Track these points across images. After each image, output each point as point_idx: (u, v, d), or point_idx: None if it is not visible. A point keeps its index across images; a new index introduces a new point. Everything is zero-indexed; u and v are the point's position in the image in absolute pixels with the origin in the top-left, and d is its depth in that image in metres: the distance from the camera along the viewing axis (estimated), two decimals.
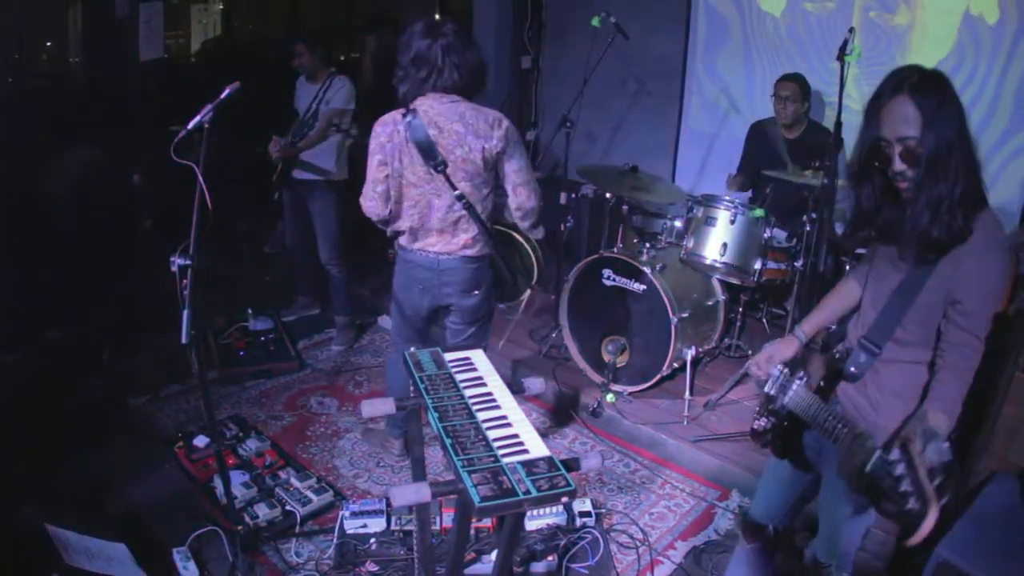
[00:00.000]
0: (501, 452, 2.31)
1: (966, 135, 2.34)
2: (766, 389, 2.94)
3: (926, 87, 2.30)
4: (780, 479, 3.08)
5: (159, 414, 5.04)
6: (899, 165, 2.35)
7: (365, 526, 3.92)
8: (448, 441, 2.36)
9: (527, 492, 2.14)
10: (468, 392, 2.65)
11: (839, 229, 4.69)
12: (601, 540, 3.97)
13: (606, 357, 5.14)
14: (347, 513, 3.96)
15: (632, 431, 4.98)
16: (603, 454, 4.78)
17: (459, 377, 2.75)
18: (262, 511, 4.04)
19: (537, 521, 4.00)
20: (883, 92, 2.35)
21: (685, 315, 4.97)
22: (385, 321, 6.27)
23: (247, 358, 5.63)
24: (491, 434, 2.41)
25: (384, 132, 3.81)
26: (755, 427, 3.05)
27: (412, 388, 2.73)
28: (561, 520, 4.04)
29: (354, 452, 4.75)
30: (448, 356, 2.89)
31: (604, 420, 5.12)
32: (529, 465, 2.25)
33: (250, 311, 5.99)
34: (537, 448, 2.35)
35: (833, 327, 3.02)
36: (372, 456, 4.70)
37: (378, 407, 2.67)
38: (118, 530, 3.76)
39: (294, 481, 4.29)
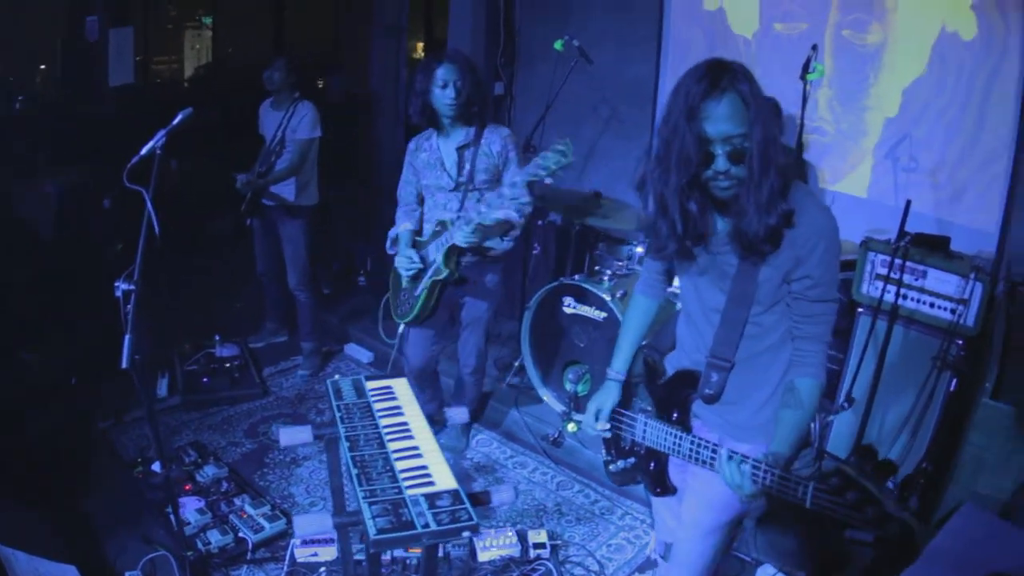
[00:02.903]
0: (406, 484, 2.29)
1: (776, 118, 2.29)
2: (627, 437, 2.94)
3: (743, 80, 2.23)
4: (667, 503, 3.03)
5: (122, 438, 5.02)
6: (723, 164, 2.25)
7: (316, 555, 3.88)
8: (354, 471, 2.34)
9: (426, 526, 2.11)
10: (383, 422, 2.63)
11: None
12: (554, 572, 3.93)
13: (568, 386, 5.08)
14: (298, 541, 3.92)
15: (593, 461, 4.91)
16: (561, 484, 4.75)
17: (377, 406, 2.72)
18: (214, 537, 4.02)
19: (489, 552, 3.96)
20: (696, 91, 2.23)
21: (646, 343, 4.90)
22: (352, 349, 6.24)
23: (211, 385, 5.61)
24: (399, 465, 2.38)
25: None
26: (612, 470, 3.04)
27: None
28: (515, 551, 3.98)
29: (311, 480, 4.71)
30: (369, 385, 2.86)
31: (565, 450, 5.07)
32: (432, 498, 2.22)
33: (217, 337, 5.95)
34: (444, 480, 2.32)
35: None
36: (329, 484, 4.63)
37: (296, 436, 2.64)
38: (71, 552, 3.72)
39: (248, 508, 4.25)
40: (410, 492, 2.23)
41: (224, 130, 6.57)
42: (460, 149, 4.39)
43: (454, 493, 2.24)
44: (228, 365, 5.77)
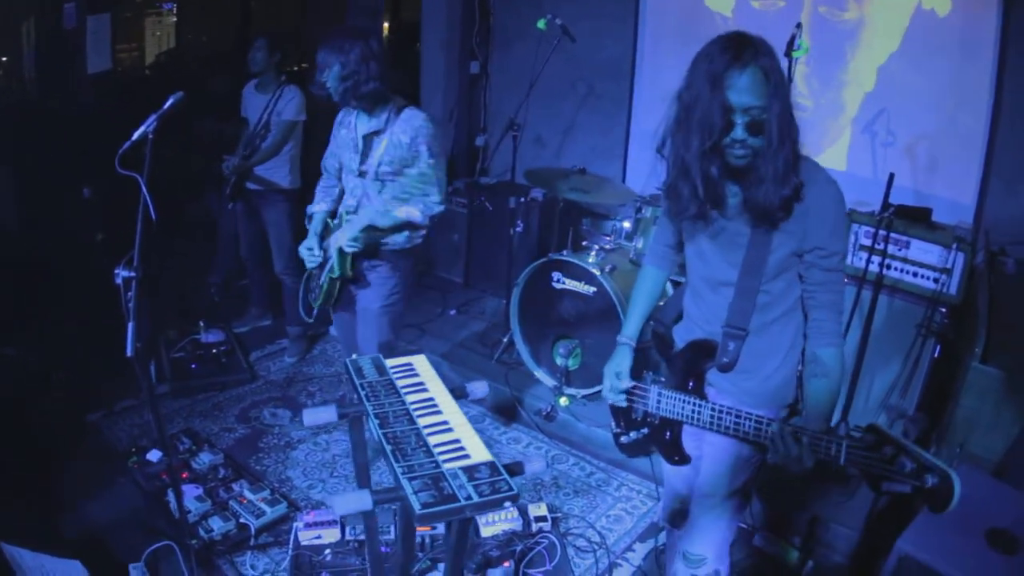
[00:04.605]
0: (442, 458, 2.30)
1: (790, 95, 2.37)
2: (639, 408, 2.97)
3: (765, 54, 2.31)
4: (678, 471, 3.06)
5: (114, 429, 4.97)
6: (741, 134, 2.33)
7: (319, 537, 3.88)
8: (388, 448, 2.35)
9: (468, 498, 2.13)
10: (409, 398, 2.64)
11: None
12: (558, 544, 3.96)
13: (558, 360, 5.13)
14: (301, 524, 3.92)
15: (587, 434, 4.98)
16: (556, 458, 4.80)
17: (400, 383, 2.73)
18: (216, 524, 4.00)
19: (493, 527, 3.98)
20: (720, 61, 2.31)
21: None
22: None
23: (199, 371, 5.57)
24: (432, 440, 2.40)
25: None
26: (623, 441, 3.08)
27: (355, 396, 2.72)
28: (517, 525, 4.02)
29: (307, 463, 4.71)
30: (390, 363, 2.87)
31: (559, 424, 5.12)
32: (471, 470, 2.25)
33: (202, 323, 5.90)
34: (479, 453, 2.35)
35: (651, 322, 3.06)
36: (326, 466, 4.66)
37: (320, 415, 2.65)
38: (74, 547, 3.70)
39: (247, 494, 4.24)
40: (447, 466, 2.25)
41: (194, 116, 6.52)
42: (367, 136, 4.04)
43: (491, 465, 2.26)
44: (215, 351, 5.73)
